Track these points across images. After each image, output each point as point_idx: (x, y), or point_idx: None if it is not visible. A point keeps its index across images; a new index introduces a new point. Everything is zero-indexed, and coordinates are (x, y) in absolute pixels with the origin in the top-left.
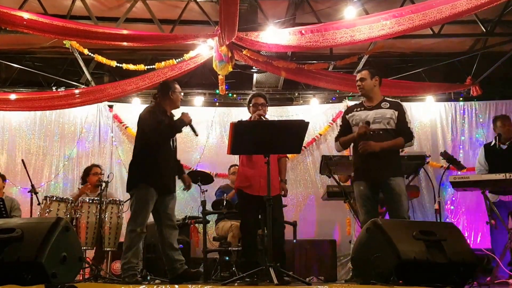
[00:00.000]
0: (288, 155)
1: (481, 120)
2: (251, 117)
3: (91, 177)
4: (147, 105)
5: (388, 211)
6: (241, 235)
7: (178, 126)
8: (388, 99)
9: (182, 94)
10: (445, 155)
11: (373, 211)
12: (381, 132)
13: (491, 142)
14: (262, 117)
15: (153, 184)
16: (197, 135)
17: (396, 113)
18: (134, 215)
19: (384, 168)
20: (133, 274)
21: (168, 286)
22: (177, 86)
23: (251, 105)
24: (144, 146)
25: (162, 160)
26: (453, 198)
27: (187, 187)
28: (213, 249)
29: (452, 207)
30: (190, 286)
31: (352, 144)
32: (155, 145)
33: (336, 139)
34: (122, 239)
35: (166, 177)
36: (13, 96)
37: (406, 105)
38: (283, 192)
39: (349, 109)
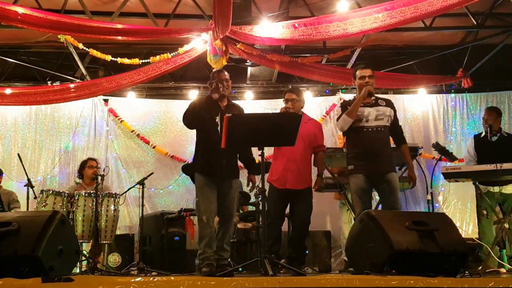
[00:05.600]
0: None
1: (472, 111)
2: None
3: (87, 170)
4: (141, 99)
5: (383, 204)
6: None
7: (197, 104)
8: (379, 96)
9: (226, 82)
10: (437, 146)
11: (369, 205)
12: (382, 129)
13: (481, 133)
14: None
15: (202, 170)
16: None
17: (393, 112)
18: (196, 205)
19: (382, 162)
20: (209, 264)
21: (164, 278)
22: (216, 74)
23: (284, 99)
24: (196, 137)
25: (207, 145)
26: (445, 189)
27: (251, 188)
28: None
29: (444, 198)
30: (186, 277)
31: (346, 137)
32: (199, 133)
33: (338, 118)
34: (118, 232)
35: (213, 162)
36: (8, 91)
37: (398, 97)
38: (316, 186)
39: (349, 103)
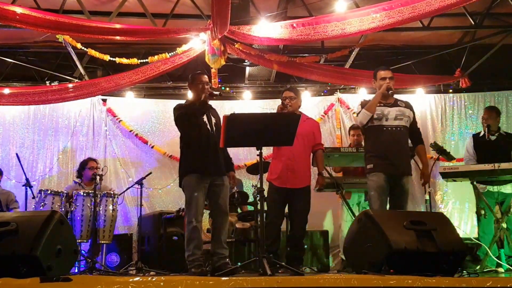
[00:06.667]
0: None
1: (470, 111)
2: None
3: (87, 170)
4: (140, 99)
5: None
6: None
7: (191, 107)
8: (399, 97)
9: (207, 85)
10: (435, 146)
11: (385, 205)
12: (401, 129)
13: (480, 132)
14: (285, 109)
15: (193, 169)
16: (220, 95)
17: (412, 113)
18: (186, 207)
19: (402, 163)
20: (198, 265)
21: (162, 277)
22: (199, 77)
23: (282, 98)
24: (181, 140)
25: (195, 145)
26: (443, 189)
27: (231, 186)
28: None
29: (442, 197)
30: (184, 277)
31: (365, 136)
32: (186, 135)
33: (358, 113)
34: (117, 231)
35: (204, 160)
36: (6, 91)
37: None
38: (318, 185)
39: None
